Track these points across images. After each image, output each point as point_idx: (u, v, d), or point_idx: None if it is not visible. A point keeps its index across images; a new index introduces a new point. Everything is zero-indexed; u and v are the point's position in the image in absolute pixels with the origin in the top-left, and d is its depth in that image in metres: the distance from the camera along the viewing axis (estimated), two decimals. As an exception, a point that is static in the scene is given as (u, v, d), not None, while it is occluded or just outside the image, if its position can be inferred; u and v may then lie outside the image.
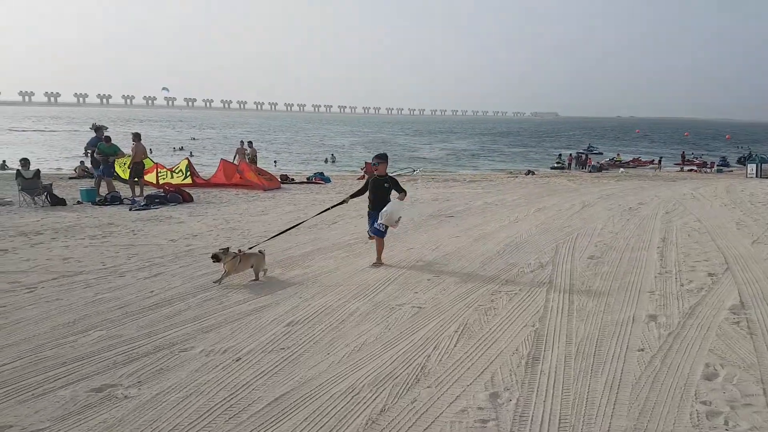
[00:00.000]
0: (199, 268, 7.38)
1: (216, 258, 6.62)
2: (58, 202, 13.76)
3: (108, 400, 3.79)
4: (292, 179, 21.78)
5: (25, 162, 14.30)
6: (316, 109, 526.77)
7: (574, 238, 9.25)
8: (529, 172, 30.49)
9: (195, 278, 6.86)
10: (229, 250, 6.76)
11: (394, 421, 3.49)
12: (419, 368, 4.25)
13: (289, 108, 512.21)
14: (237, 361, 4.41)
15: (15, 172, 14.44)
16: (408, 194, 7.56)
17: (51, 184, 14.41)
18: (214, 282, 6.59)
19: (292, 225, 8.63)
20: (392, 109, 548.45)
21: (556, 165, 38.92)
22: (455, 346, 4.69)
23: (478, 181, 23.52)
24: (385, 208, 7.24)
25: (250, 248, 7.15)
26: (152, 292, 6.29)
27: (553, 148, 63.00)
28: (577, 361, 4.35)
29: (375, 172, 7.61)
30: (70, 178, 22.16)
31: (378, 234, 7.41)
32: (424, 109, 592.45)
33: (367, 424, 3.47)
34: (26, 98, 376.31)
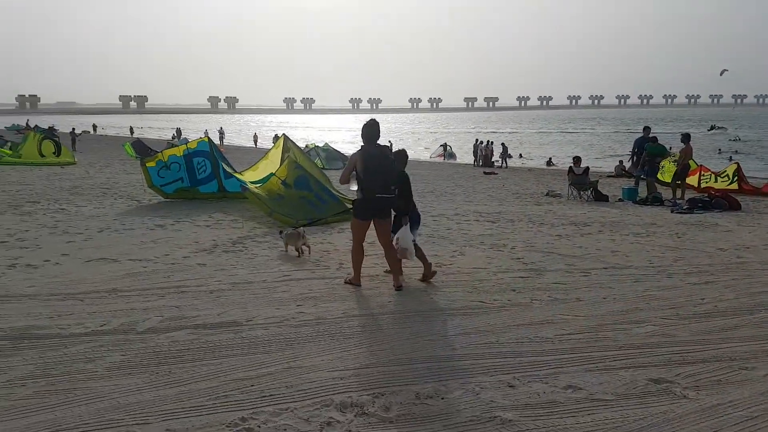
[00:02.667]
0: (754, 284, 6.59)
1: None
2: (601, 197, 14.79)
3: (666, 394, 3.80)
4: None
5: (577, 160, 15.91)
6: None
7: None
8: None
9: (752, 294, 6.15)
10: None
11: None
12: None
13: None
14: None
15: (568, 168, 16.27)
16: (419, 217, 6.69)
17: (597, 181, 15.62)
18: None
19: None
20: None
21: None
22: None
23: None
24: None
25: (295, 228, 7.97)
26: (703, 299, 5.98)
27: None
28: None
29: None
30: (608, 176, 23.52)
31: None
32: None
33: None
34: (573, 102, 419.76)
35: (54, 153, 22.82)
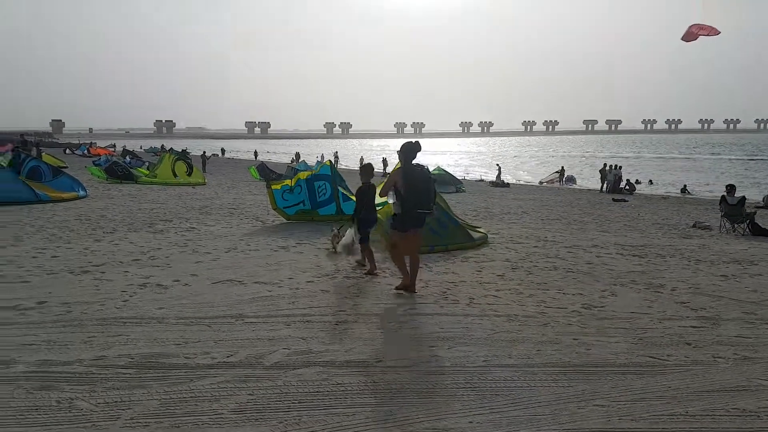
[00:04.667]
0: None
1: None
2: (761, 232, 12.94)
3: None
4: None
5: (730, 188, 14.12)
6: None
7: None
8: None
9: None
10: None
11: None
12: None
13: None
14: None
15: (720, 197, 14.48)
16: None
17: (754, 213, 13.72)
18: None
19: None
20: None
21: None
22: None
23: None
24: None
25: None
26: None
27: None
28: None
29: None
30: (756, 206, 21.01)
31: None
32: None
33: None
34: (705, 126, 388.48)
35: (186, 173, 24.27)
